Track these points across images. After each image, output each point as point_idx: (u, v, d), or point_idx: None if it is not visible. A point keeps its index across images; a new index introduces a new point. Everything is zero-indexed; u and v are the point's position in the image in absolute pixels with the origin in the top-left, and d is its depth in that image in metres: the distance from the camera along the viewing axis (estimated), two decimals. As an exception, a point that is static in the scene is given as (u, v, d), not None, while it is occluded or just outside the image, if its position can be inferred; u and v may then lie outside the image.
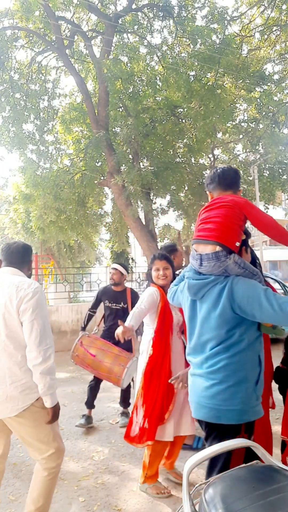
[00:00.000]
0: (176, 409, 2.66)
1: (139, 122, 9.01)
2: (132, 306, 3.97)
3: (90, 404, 3.90)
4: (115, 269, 4.10)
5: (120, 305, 4.06)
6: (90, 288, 17.00)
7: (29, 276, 2.13)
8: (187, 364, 2.38)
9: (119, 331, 2.39)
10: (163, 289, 2.81)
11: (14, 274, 2.03)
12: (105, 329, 4.10)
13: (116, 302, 4.06)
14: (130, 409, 3.95)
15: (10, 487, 2.76)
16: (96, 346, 3.58)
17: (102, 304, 4.17)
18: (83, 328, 4.04)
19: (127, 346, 3.75)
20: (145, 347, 2.82)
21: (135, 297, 4.13)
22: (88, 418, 3.85)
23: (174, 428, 2.61)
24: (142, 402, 2.62)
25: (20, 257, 2.11)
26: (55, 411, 1.94)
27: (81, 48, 11.16)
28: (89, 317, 4.10)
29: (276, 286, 7.80)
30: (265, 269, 17.31)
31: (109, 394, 4.76)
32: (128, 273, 4.21)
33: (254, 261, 1.94)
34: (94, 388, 3.94)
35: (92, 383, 3.96)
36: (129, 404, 4.02)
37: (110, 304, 4.06)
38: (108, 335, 3.85)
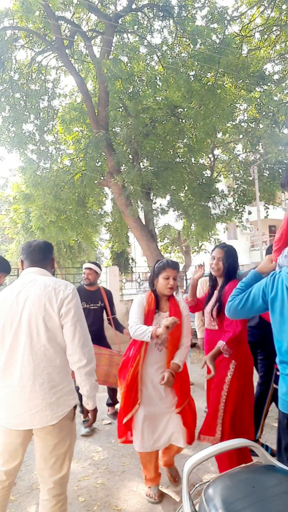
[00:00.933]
0: (151, 421, 2.47)
1: (139, 122, 9.01)
2: (110, 304, 4.04)
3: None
4: (90, 268, 4.01)
5: (98, 304, 4.01)
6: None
7: (53, 274, 2.06)
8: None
9: (169, 321, 2.27)
10: (158, 296, 2.67)
11: (43, 274, 1.95)
12: None
13: (94, 302, 3.99)
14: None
15: (10, 487, 2.76)
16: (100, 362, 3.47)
17: None
18: None
19: (106, 345, 3.88)
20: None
21: (109, 295, 4.12)
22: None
23: (150, 441, 2.45)
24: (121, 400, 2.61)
25: (43, 255, 2.02)
26: (95, 412, 1.96)
27: (81, 48, 11.16)
28: None
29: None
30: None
31: (107, 395, 4.74)
32: (100, 271, 4.13)
33: None
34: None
35: None
36: (117, 401, 4.01)
37: (88, 305, 3.94)
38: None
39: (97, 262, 4.34)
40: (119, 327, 4.05)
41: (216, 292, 2.71)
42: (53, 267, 2.09)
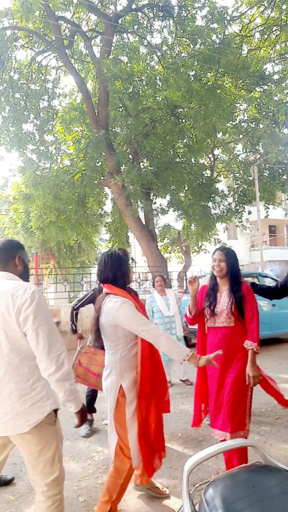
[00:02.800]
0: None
1: (139, 122, 9.01)
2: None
3: (90, 410, 3.79)
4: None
5: None
6: (90, 288, 16.98)
7: (21, 273, 1.92)
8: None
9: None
10: None
11: (5, 278, 1.84)
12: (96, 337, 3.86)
13: None
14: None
15: (10, 487, 2.76)
16: (98, 363, 3.23)
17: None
18: (75, 330, 3.77)
19: None
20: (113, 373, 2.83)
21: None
22: (91, 422, 3.81)
23: None
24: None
25: (2, 255, 1.89)
26: (82, 414, 1.84)
27: (81, 48, 11.17)
28: (76, 316, 3.80)
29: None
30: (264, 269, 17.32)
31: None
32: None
33: None
34: (92, 398, 3.81)
35: (90, 394, 3.80)
36: None
37: None
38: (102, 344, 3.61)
39: None
40: None
41: (226, 293, 2.77)
42: (18, 265, 1.91)
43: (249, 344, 2.59)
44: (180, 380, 5.34)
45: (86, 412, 1.90)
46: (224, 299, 2.77)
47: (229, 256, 2.81)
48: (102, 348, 3.54)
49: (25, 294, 1.70)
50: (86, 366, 3.23)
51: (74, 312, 3.79)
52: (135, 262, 19.94)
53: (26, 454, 1.79)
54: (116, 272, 2.34)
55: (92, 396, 3.83)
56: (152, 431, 2.33)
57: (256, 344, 2.58)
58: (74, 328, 3.76)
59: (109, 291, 2.30)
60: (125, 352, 2.27)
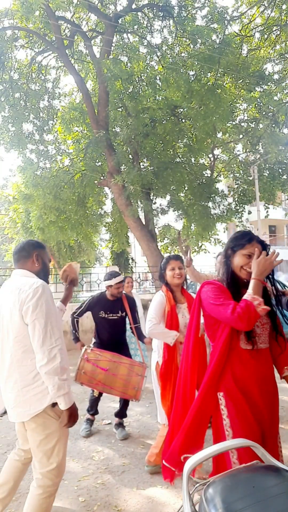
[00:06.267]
0: None
1: (139, 122, 9.01)
2: (132, 312, 3.75)
3: (93, 412, 3.77)
4: (121, 282, 3.67)
5: (118, 315, 3.70)
6: (90, 288, 16.99)
7: (39, 271, 2.04)
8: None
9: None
10: (173, 290, 2.95)
11: (21, 275, 1.98)
12: (98, 342, 3.75)
13: (113, 311, 3.68)
14: (125, 420, 3.85)
15: (10, 487, 2.76)
16: (106, 358, 3.25)
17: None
18: (77, 339, 3.69)
19: (127, 356, 3.57)
20: (156, 352, 2.97)
21: (132, 302, 3.80)
22: (91, 422, 3.81)
23: None
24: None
25: (20, 255, 2.04)
26: (70, 413, 1.85)
27: (81, 48, 11.17)
28: (76, 323, 3.73)
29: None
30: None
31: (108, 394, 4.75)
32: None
33: None
34: (96, 399, 3.77)
35: (94, 397, 3.75)
36: (125, 415, 3.75)
37: (106, 315, 3.66)
38: (105, 348, 3.46)
39: (116, 271, 3.90)
40: (141, 336, 3.76)
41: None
42: (37, 262, 2.04)
43: None
44: None
45: (76, 413, 1.90)
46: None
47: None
48: (104, 348, 3.59)
49: (30, 288, 1.82)
50: (95, 362, 3.21)
51: (75, 319, 3.74)
52: (135, 262, 19.97)
53: (30, 441, 1.92)
54: None
55: (96, 398, 3.79)
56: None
57: None
58: (77, 336, 3.71)
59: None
60: None
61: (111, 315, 3.69)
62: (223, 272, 1.94)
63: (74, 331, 3.73)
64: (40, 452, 1.88)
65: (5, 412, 2.57)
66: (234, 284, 1.89)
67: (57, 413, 1.89)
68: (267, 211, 13.58)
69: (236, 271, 1.89)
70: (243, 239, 1.90)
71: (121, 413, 3.73)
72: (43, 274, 2.07)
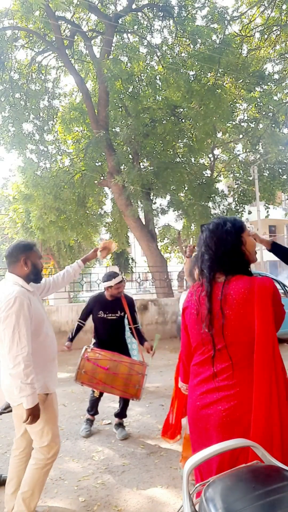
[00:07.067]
0: None
1: (139, 122, 9.01)
2: (132, 313, 3.73)
3: (94, 412, 3.76)
4: (122, 281, 3.64)
5: (117, 314, 3.67)
6: (90, 288, 16.99)
7: (28, 273, 2.16)
8: None
9: None
10: None
11: (7, 280, 2.15)
12: (97, 342, 3.73)
13: (112, 311, 3.66)
14: (125, 420, 3.81)
15: (10, 487, 2.76)
16: (106, 358, 3.23)
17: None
18: (71, 339, 3.66)
19: (126, 354, 3.56)
20: None
21: (131, 302, 3.76)
22: (91, 422, 3.80)
23: None
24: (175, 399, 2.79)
25: (9, 259, 2.18)
26: (30, 413, 2.00)
27: (81, 48, 11.17)
28: (78, 329, 3.71)
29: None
30: (264, 268, 17.34)
31: (109, 394, 4.75)
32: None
33: None
34: (96, 399, 3.75)
35: (94, 397, 3.72)
36: (125, 415, 3.71)
37: (105, 315, 3.65)
38: (104, 348, 3.46)
39: (115, 271, 3.90)
40: (141, 339, 3.70)
41: None
42: (26, 266, 2.15)
43: None
44: None
45: (36, 413, 2.02)
46: None
47: None
48: (103, 348, 3.58)
49: (5, 299, 2.02)
50: (95, 361, 3.21)
51: (78, 324, 3.73)
52: (135, 262, 19.97)
53: (23, 423, 2.14)
54: None
55: (96, 398, 3.77)
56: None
57: None
58: (71, 338, 3.70)
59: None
60: None
61: (110, 315, 3.68)
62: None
63: (71, 333, 3.73)
64: (32, 432, 2.14)
65: (5, 409, 2.59)
66: None
67: (39, 400, 2.07)
68: (267, 211, 13.58)
69: None
70: None
71: (121, 413, 3.72)
72: (34, 275, 2.20)
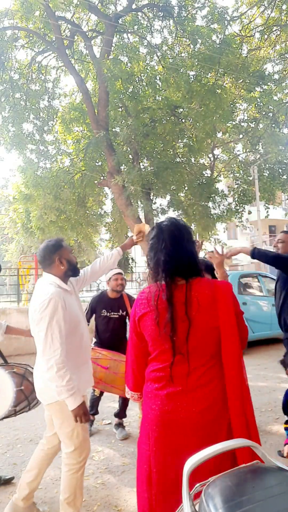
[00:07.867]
0: None
1: (139, 122, 9.01)
2: None
3: (94, 412, 3.76)
4: (120, 273, 3.74)
5: (119, 313, 3.71)
6: (90, 288, 17.00)
7: (66, 271, 2.15)
8: None
9: None
10: None
11: (44, 280, 2.13)
12: (98, 341, 3.76)
13: (114, 310, 3.71)
14: (125, 420, 3.82)
15: (10, 487, 2.76)
16: (106, 357, 3.26)
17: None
18: None
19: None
20: None
21: (133, 302, 3.83)
22: (91, 422, 3.79)
23: None
24: None
25: (42, 258, 2.15)
26: (74, 414, 1.98)
27: (81, 48, 11.17)
28: None
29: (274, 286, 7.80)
30: (264, 269, 17.33)
31: (109, 394, 4.75)
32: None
33: None
34: (97, 399, 3.76)
35: (95, 396, 3.73)
36: (125, 415, 3.73)
37: (108, 313, 3.68)
38: (105, 347, 3.51)
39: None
40: None
41: None
42: (61, 264, 2.13)
43: None
44: None
45: (83, 412, 1.99)
46: None
47: None
48: (104, 347, 3.60)
49: (40, 300, 2.00)
50: (95, 361, 3.20)
51: None
52: (135, 262, 19.95)
53: (54, 424, 2.15)
54: None
55: (97, 397, 3.77)
56: None
57: None
58: None
59: None
60: None
61: (112, 313, 3.71)
62: None
63: None
64: (61, 434, 2.10)
65: (4, 418, 2.57)
66: None
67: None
68: (267, 211, 13.57)
69: None
70: None
71: (121, 413, 3.72)
72: (71, 271, 2.18)
